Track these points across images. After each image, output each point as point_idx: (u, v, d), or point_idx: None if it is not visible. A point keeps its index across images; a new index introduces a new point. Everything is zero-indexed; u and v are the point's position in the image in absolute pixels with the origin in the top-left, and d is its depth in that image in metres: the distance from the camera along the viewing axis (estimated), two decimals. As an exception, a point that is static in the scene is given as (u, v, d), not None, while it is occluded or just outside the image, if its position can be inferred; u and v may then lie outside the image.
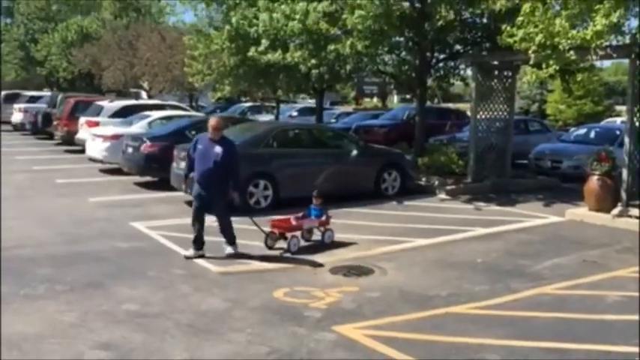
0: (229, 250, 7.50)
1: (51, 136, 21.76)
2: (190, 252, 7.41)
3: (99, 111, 17.69)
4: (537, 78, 10.32)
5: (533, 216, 10.23)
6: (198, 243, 7.44)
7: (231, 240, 7.55)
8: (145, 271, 6.72)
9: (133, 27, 30.90)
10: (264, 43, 13.28)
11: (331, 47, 12.25)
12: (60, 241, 8.08)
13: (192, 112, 19.34)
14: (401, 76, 14.94)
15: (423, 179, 12.76)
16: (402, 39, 13.44)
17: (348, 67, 13.32)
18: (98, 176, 14.36)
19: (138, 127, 14.83)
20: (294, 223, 8.10)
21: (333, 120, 23.41)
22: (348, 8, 11.69)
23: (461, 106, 27.47)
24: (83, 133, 17.08)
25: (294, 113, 26.73)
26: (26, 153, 18.46)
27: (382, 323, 5.28)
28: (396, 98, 49.75)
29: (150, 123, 15.08)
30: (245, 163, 10.26)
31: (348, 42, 11.66)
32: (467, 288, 6.38)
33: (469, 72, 14.05)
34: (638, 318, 4.70)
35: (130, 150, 12.93)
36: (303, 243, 8.00)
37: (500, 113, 13.23)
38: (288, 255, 7.61)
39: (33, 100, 26.82)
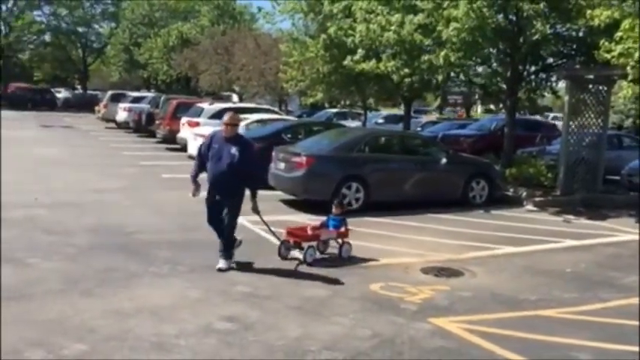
0: (222, 264, 6.78)
1: (152, 134, 23.31)
2: (222, 264, 6.80)
3: (199, 112, 18.86)
4: (634, 93, 10.30)
5: (623, 231, 10.20)
6: (228, 251, 6.88)
7: (227, 251, 6.88)
8: (251, 260, 7.37)
9: (229, 33, 32.42)
10: (360, 52, 13.86)
11: (424, 58, 12.66)
12: (174, 229, 8.94)
13: (286, 116, 20.21)
14: (491, 87, 15.10)
15: (511, 190, 12.89)
16: (494, 51, 13.65)
17: (440, 77, 13.67)
18: (198, 173, 15.37)
19: (236, 128, 15.75)
20: (310, 232, 7.66)
21: (419, 129, 23.68)
22: (443, 21, 12.06)
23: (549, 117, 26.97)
24: (184, 132, 18.32)
25: (381, 120, 27.20)
26: (132, 149, 19.93)
27: (475, 319, 5.65)
28: (479, 108, 49.16)
29: (247, 125, 15.99)
30: (338, 165, 10.98)
31: (442, 53, 12.02)
32: (556, 294, 6.62)
33: (561, 84, 14.05)
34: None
35: (229, 150, 13.82)
36: (318, 255, 7.50)
37: (593, 127, 13.16)
38: (303, 266, 7.12)
39: (136, 100, 28.73)
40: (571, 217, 11.24)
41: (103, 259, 7.00)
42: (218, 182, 6.80)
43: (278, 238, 7.46)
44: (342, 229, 7.84)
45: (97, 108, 34.81)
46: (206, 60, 30.89)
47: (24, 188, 11.47)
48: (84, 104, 45.69)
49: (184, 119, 18.94)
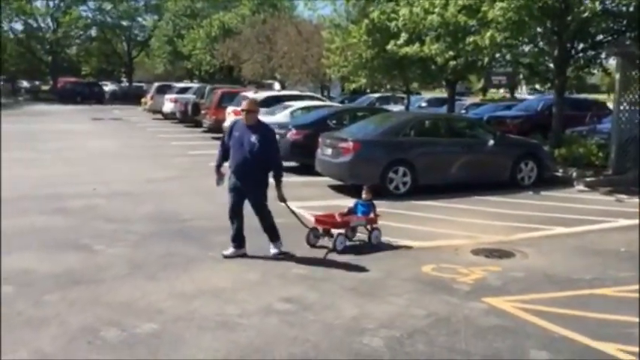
0: (274, 249, 6.88)
1: (198, 124, 23.79)
2: (229, 251, 6.85)
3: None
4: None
5: (680, 210, 9.97)
6: (238, 240, 6.88)
7: (274, 237, 6.92)
8: (302, 243, 7.55)
9: (270, 22, 32.65)
10: (403, 36, 13.85)
11: (469, 39, 12.56)
12: (226, 216, 9.20)
13: (330, 103, 20.33)
14: (538, 67, 14.87)
15: (560, 170, 12.73)
16: (542, 30, 13.42)
17: (485, 58, 13.54)
18: (245, 161, 15.69)
19: (281, 116, 15.98)
20: (339, 219, 7.56)
21: (463, 111, 23.45)
22: (488, 1, 11.93)
23: (597, 97, 26.29)
24: (230, 121, 18.63)
25: (424, 104, 27.05)
26: (179, 139, 20.43)
27: (529, 299, 5.70)
28: (524, 89, 48.15)
29: (292, 112, 16.20)
30: (385, 150, 11.06)
31: (488, 34, 11.91)
32: (611, 273, 6.58)
33: (611, 61, 13.73)
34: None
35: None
36: (347, 242, 7.41)
37: (646, 104, 12.83)
38: (319, 255, 6.98)
39: (182, 91, 29.31)
40: (624, 196, 11.04)
41: (163, 245, 7.30)
42: (240, 170, 6.72)
43: (307, 226, 7.33)
44: (372, 215, 7.72)
45: (143, 100, 35.65)
46: (248, 49, 31.22)
47: (82, 180, 11.97)
48: (130, 96, 46.89)
49: (229, 108, 19.23)
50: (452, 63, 13.44)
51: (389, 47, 14.33)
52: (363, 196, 7.90)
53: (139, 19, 57.29)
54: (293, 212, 7.19)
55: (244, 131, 6.69)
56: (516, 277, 6.45)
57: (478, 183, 11.33)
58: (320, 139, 11.89)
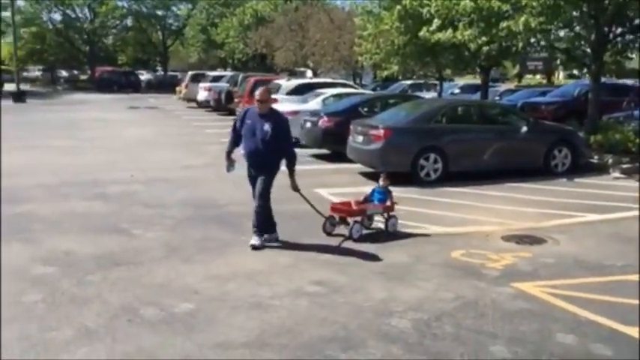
0: (254, 240, 6.68)
1: (231, 112, 24.04)
2: (263, 237, 6.78)
3: (277, 89, 19.31)
4: None
5: None
6: (265, 229, 6.83)
7: (261, 229, 6.76)
8: (336, 230, 7.68)
9: (303, 9, 32.70)
10: (436, 22, 13.77)
11: (503, 25, 12.44)
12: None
13: (362, 90, 20.35)
14: (574, 52, 14.62)
15: (595, 157, 12.56)
16: (578, 14, 13.19)
17: (520, 44, 13.38)
18: (278, 148, 15.89)
19: (313, 103, 16.10)
20: (355, 207, 7.51)
21: (497, 97, 23.16)
22: (522, -15, 11.80)
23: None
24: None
25: (457, 91, 26.78)
26: (213, 127, 20.72)
27: (558, 284, 5.73)
28: (561, 75, 47.15)
29: (324, 100, 16.30)
30: (416, 137, 11.08)
31: (522, 19, 11.78)
32: (643, 260, 6.54)
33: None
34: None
35: (308, 125, 14.20)
36: (364, 231, 7.35)
37: (686, 90, 12.54)
38: (349, 242, 6.96)
39: (216, 79, 29.66)
40: (661, 183, 10.85)
41: (198, 229, 7.52)
42: (253, 158, 6.78)
43: (322, 215, 7.28)
44: (388, 203, 7.64)
45: (178, 88, 36.16)
46: (280, 37, 31.37)
47: (120, 167, 12.32)
48: (165, 85, 47.63)
49: (262, 96, 19.43)
50: (485, 49, 13.32)
51: (421, 34, 14.28)
52: (380, 182, 7.85)
53: (174, 8, 57.99)
54: (307, 201, 7.21)
55: (257, 119, 6.69)
56: (547, 262, 6.46)
57: (511, 170, 11.27)
58: (351, 127, 11.97)
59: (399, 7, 15.12)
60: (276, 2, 39.00)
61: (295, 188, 6.95)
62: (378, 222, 7.68)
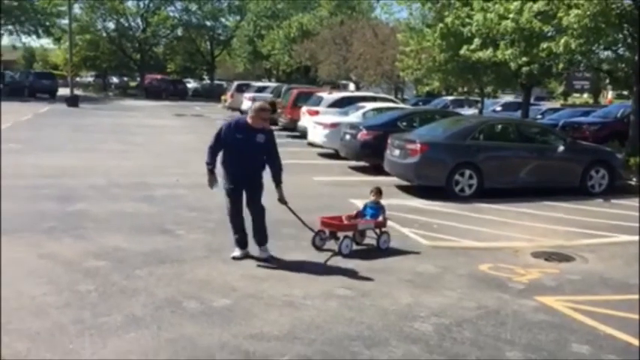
0: (262, 253, 6.74)
1: (274, 123, 24.64)
2: (237, 252, 6.71)
3: (319, 101, 19.78)
4: None
5: None
6: (242, 242, 6.76)
7: (262, 240, 6.78)
8: (371, 239, 7.97)
9: (347, 23, 33.23)
10: (477, 41, 14.00)
11: (543, 45, 12.58)
12: (295, 209, 9.75)
13: (402, 105, 20.63)
14: (616, 73, 14.60)
15: (634, 179, 12.52)
16: (620, 36, 13.23)
17: (560, 65, 13.48)
18: (317, 159, 16.33)
19: (354, 116, 16.47)
20: (346, 222, 7.40)
21: (539, 116, 23.10)
22: (563, 7, 11.92)
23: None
24: (304, 120, 19.33)
25: (498, 108, 26.77)
26: (256, 136, 21.28)
27: (581, 299, 5.91)
28: (610, 94, 46.33)
29: (364, 113, 16.65)
30: (452, 152, 11.30)
31: (562, 40, 11.92)
32: (670, 281, 6.63)
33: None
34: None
35: (347, 137, 14.57)
36: (354, 247, 7.27)
37: None
38: (338, 257, 6.86)
39: (260, 90, 30.38)
40: (698, 208, 10.76)
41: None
42: (242, 172, 6.53)
43: (311, 229, 7.14)
44: (380, 219, 7.50)
45: (223, 97, 37.10)
46: (325, 50, 31.94)
47: (166, 171, 12.92)
48: (211, 94, 48.82)
49: (304, 108, 19.94)
50: (525, 69, 13.44)
51: (462, 52, 14.51)
52: (371, 198, 7.67)
53: (222, 19, 59.45)
54: (295, 214, 7.04)
55: (248, 133, 6.48)
56: (572, 279, 6.63)
57: (547, 189, 11.38)
58: (389, 140, 12.27)
59: (441, 25, 15.39)
60: (321, 16, 39.68)
61: (282, 200, 6.83)
62: (371, 238, 7.51)
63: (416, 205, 10.40)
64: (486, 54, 13.75)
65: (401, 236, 8.26)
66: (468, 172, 11.11)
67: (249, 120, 6.58)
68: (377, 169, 13.06)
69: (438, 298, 5.76)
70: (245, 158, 6.54)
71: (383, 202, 7.79)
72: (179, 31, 59.71)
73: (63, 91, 41.41)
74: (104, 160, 14.23)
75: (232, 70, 62.77)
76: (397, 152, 11.79)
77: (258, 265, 6.54)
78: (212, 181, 6.67)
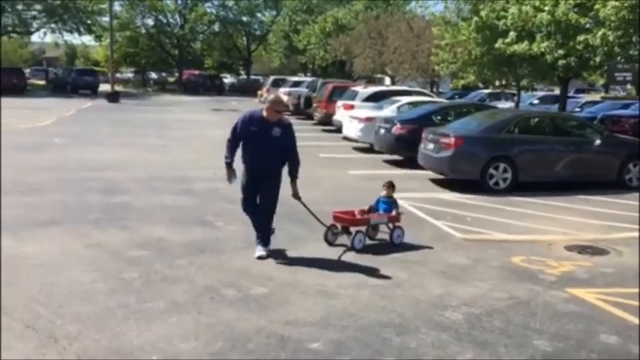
0: (261, 251, 6.56)
1: (309, 117, 24.88)
2: (262, 251, 6.59)
3: (354, 96, 19.92)
4: None
5: None
6: (269, 237, 6.68)
7: (266, 239, 6.68)
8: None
9: (383, 17, 33.17)
10: (512, 34, 13.92)
11: (580, 38, 12.45)
12: (332, 201, 9.92)
13: (436, 98, 20.60)
14: (657, 65, 14.34)
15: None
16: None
17: (598, 58, 13.31)
18: (352, 153, 16.49)
19: (388, 110, 16.57)
20: (359, 216, 7.29)
21: (578, 109, 22.71)
22: (600, -1, 11.80)
23: None
24: (339, 115, 19.50)
25: (535, 101, 26.42)
26: (291, 131, 21.54)
27: (612, 292, 5.94)
28: (655, 86, 45.03)
29: (399, 107, 16.73)
30: (486, 146, 11.32)
31: (599, 33, 11.78)
32: None
33: None
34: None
35: (382, 131, 14.68)
36: (367, 241, 7.18)
37: None
38: (351, 253, 6.80)
39: (296, 84, 30.66)
40: None
41: (274, 224, 8.14)
42: (258, 167, 6.42)
43: (323, 224, 7.07)
44: (393, 213, 7.39)
45: (259, 92, 37.49)
46: (360, 44, 32.00)
47: (204, 165, 13.23)
48: (247, 89, 49.36)
49: (340, 102, 20.10)
50: (562, 62, 13.30)
51: (497, 45, 14.44)
52: (383, 192, 7.56)
53: (259, 14, 60.06)
54: (308, 209, 6.93)
55: (264, 126, 6.34)
56: (605, 272, 6.65)
57: (583, 182, 11.30)
58: (423, 134, 12.35)
59: (476, 18, 15.33)
60: (356, 10, 39.68)
61: (296, 196, 6.70)
62: (384, 233, 7.45)
63: (449, 199, 10.48)
64: (522, 47, 13.67)
65: (434, 229, 8.38)
66: (502, 166, 11.12)
67: (264, 113, 6.40)
68: (411, 163, 13.14)
69: (469, 289, 5.88)
70: (260, 152, 6.38)
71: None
72: (216, 27, 60.56)
73: (104, 88, 42.51)
74: (145, 154, 14.69)
75: (268, 65, 63.25)
76: (431, 146, 11.85)
77: (293, 257, 6.74)
78: (230, 175, 6.64)
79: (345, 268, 6.41)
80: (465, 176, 11.32)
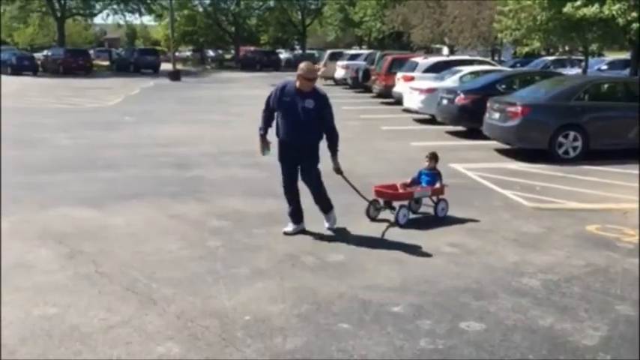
0: (327, 221, 6.58)
1: (367, 90, 24.81)
2: (290, 227, 6.47)
3: (414, 67, 19.72)
4: None
5: None
6: (296, 216, 6.49)
7: (327, 208, 6.58)
8: (471, 201, 8.10)
9: (442, -15, 32.46)
10: (582, -3, 13.42)
11: (656, -2, 11.92)
12: (397, 173, 10.00)
13: (500, 67, 20.14)
14: None
15: None
16: None
17: (675, 18, 12.71)
18: (413, 125, 16.43)
19: (450, 81, 16.36)
20: (401, 190, 7.07)
21: (649, 73, 21.75)
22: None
23: None
24: (399, 86, 19.38)
25: (604, 67, 25.43)
26: (351, 104, 21.59)
27: (695, 259, 5.84)
28: None
29: (461, 77, 16.48)
30: (555, 114, 11.10)
31: (677, -8, 11.24)
32: None
33: None
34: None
35: (444, 102, 14.55)
36: (411, 215, 6.99)
37: None
38: (395, 229, 6.59)
39: (353, 58, 30.54)
40: None
41: (343, 195, 8.16)
42: (293, 140, 6.17)
43: (366, 199, 6.89)
44: (437, 185, 7.21)
45: (316, 66, 37.53)
46: (418, 14, 31.47)
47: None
48: (303, 63, 49.32)
49: (399, 74, 19.96)
50: (635, 25, 12.74)
51: (565, 9, 13.95)
52: (426, 164, 7.38)
53: (314, -13, 59.74)
54: (350, 184, 6.72)
55: (297, 97, 6.08)
56: (686, 240, 6.50)
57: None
58: (488, 104, 12.19)
59: (542, -19, 14.86)
60: (414, -21, 38.92)
61: (338, 170, 6.44)
62: (429, 206, 7.30)
63: (516, 168, 10.37)
64: (592, 10, 13.15)
65: (502, 198, 8.35)
66: (572, 134, 10.89)
67: (297, 83, 6.14)
68: (475, 133, 13.02)
69: (544, 257, 5.89)
70: (293, 124, 6.11)
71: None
72: (271, 3, 60.67)
73: (164, 67, 43.53)
74: (211, 130, 15.11)
75: (323, 39, 63.06)
76: (497, 115, 11.70)
77: (365, 226, 6.88)
78: (263, 147, 6.45)
79: (416, 237, 6.50)
80: (532, 145, 11.15)
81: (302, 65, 6.25)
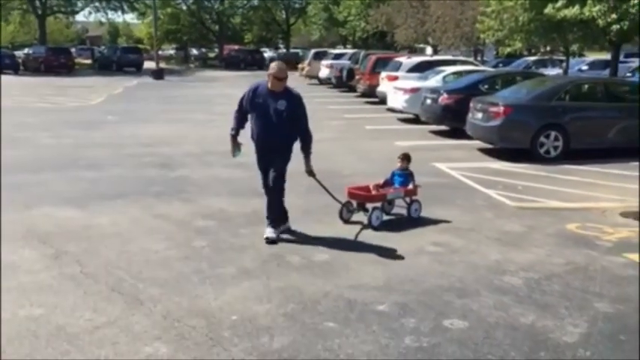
0: (269, 232, 6.18)
1: (352, 89, 24.89)
2: (270, 232, 6.23)
3: (398, 66, 19.84)
4: None
5: None
6: (281, 219, 6.37)
7: (274, 221, 6.27)
8: (454, 200, 8.21)
9: (424, -15, 32.65)
10: (562, -1, 13.61)
11: (634, 1, 12.11)
12: (381, 173, 10.08)
13: (482, 67, 20.33)
14: None
15: None
16: None
17: (653, 20, 12.95)
18: (397, 124, 16.54)
19: (434, 81, 16.49)
20: (374, 192, 7.05)
21: (629, 74, 22.09)
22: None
23: None
24: (383, 86, 19.48)
25: (585, 67, 25.77)
26: (335, 103, 21.68)
27: (672, 257, 5.98)
28: None
29: (444, 77, 16.62)
30: (536, 114, 11.25)
31: (655, -6, 11.45)
32: None
33: None
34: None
35: (428, 101, 14.67)
36: (384, 217, 6.97)
37: None
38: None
39: (337, 57, 30.62)
40: None
41: (325, 196, 8.25)
42: (265, 142, 6.10)
43: (339, 201, 6.85)
44: (410, 186, 7.17)
45: (300, 66, 37.53)
46: (402, 14, 31.62)
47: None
48: (287, 62, 49.10)
49: (383, 74, 20.06)
50: (615, 27, 12.95)
51: (546, 10, 14.13)
52: (398, 164, 7.33)
53: (298, -13, 59.75)
54: (323, 186, 6.71)
55: (269, 98, 5.99)
56: (663, 238, 6.64)
57: (636, 149, 11.12)
58: (471, 104, 12.32)
59: (524, -17, 15.03)
60: (397, -21, 39.09)
61: (311, 173, 6.42)
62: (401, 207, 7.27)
63: (499, 168, 10.51)
64: (572, 11, 13.35)
65: (485, 197, 8.46)
66: (553, 134, 11.05)
67: (268, 84, 6.05)
68: (457, 133, 13.15)
69: (526, 255, 5.99)
70: (266, 126, 6.02)
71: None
72: (255, 1, 60.60)
73: (147, 65, 43.24)
74: (194, 130, 15.08)
75: (307, 38, 63.10)
76: (480, 115, 11.84)
77: (350, 226, 6.92)
78: (233, 148, 6.36)
79: (401, 236, 6.58)
80: (514, 145, 11.30)
81: (273, 64, 6.16)
